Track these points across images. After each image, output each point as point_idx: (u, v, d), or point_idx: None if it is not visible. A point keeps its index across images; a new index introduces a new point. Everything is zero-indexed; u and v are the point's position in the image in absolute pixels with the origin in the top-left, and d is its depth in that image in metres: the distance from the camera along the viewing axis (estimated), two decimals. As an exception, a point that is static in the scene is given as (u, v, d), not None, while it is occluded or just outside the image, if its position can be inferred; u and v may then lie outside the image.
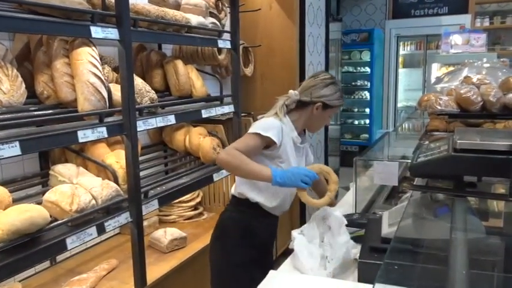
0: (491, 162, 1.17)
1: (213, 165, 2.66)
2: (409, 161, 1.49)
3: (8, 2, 1.61)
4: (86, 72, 1.82)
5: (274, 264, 2.15)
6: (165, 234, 2.51)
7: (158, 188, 2.28)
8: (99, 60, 1.91)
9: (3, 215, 1.51)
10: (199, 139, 2.70)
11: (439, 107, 1.98)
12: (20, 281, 2.06)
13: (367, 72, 7.56)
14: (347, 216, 1.87)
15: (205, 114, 2.58)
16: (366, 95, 7.64)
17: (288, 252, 1.79)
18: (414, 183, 1.51)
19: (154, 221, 2.76)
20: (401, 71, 7.90)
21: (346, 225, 1.73)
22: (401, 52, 7.80)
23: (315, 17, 4.35)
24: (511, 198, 1.14)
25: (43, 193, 1.84)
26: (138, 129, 2.01)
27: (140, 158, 2.13)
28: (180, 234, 2.55)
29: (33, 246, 1.57)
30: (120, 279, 2.17)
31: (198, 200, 3.05)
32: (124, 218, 1.95)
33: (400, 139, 3.26)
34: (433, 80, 3.97)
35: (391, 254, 1.11)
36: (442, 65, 4.70)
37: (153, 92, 2.26)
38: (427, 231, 1.30)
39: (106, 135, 1.87)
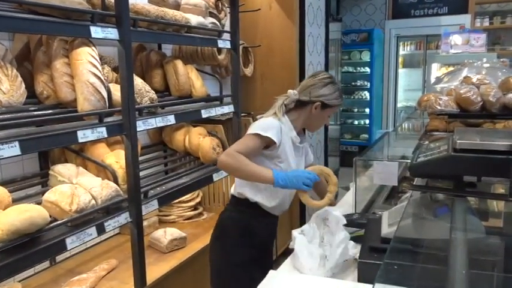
0: (491, 162, 1.17)
1: (213, 165, 2.66)
2: (409, 161, 1.49)
3: (8, 2, 1.61)
4: (86, 72, 1.82)
5: (274, 264, 2.16)
6: (165, 234, 2.51)
7: (158, 188, 2.28)
8: (98, 60, 1.91)
9: (3, 215, 1.51)
10: (199, 139, 2.70)
11: (438, 107, 1.99)
12: (19, 281, 2.06)
13: (367, 72, 7.56)
14: (347, 216, 1.87)
15: (205, 114, 2.58)
16: (366, 95, 7.65)
17: (288, 252, 1.79)
18: (414, 183, 1.51)
19: (154, 221, 2.76)
20: (401, 71, 7.90)
21: (346, 225, 1.74)
22: (401, 52, 7.81)
23: (314, 17, 4.35)
24: (511, 198, 1.14)
25: (43, 193, 1.84)
26: (138, 129, 2.01)
27: (140, 158, 2.13)
28: (179, 234, 2.55)
29: (33, 246, 1.57)
30: (119, 279, 2.17)
31: (198, 200, 3.05)
32: (124, 218, 1.95)
33: (400, 139, 3.26)
34: (432, 80, 3.97)
35: (391, 254, 1.11)
36: (442, 65, 4.70)
37: (153, 92, 2.26)
38: (427, 231, 1.30)
39: (106, 135, 1.87)
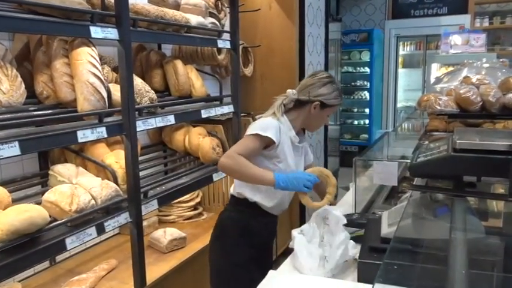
0: (490, 162, 1.17)
1: (213, 165, 2.66)
2: (409, 161, 1.49)
3: (7, 2, 1.61)
4: (86, 72, 1.82)
5: (274, 264, 2.16)
6: (165, 235, 2.51)
7: (158, 188, 2.28)
8: (98, 60, 1.91)
9: (2, 215, 1.51)
10: (198, 139, 2.70)
11: (438, 107, 1.99)
12: (19, 281, 2.06)
13: (367, 72, 7.56)
14: (347, 216, 1.87)
15: (204, 114, 2.58)
16: (366, 95, 7.65)
17: (287, 252, 1.79)
18: (414, 183, 1.51)
19: (153, 221, 2.76)
20: (400, 71, 7.90)
21: (346, 225, 1.74)
22: (401, 52, 7.81)
23: (314, 17, 4.35)
24: (511, 198, 1.14)
25: (42, 193, 1.84)
26: (138, 129, 2.01)
27: (140, 158, 2.13)
28: (179, 235, 2.55)
29: (33, 246, 1.57)
30: (119, 280, 2.17)
31: (198, 200, 3.05)
32: (123, 218, 1.95)
33: (400, 139, 3.26)
34: (432, 80, 3.97)
35: (391, 254, 1.11)
36: (442, 65, 4.70)
37: (153, 92, 2.26)
38: (427, 231, 1.30)
39: (105, 135, 1.87)
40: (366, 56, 7.51)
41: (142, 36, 2.19)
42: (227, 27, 2.92)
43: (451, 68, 3.81)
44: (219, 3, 2.97)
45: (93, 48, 1.91)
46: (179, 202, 2.93)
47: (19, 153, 1.52)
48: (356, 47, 7.51)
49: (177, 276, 2.32)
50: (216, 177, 2.65)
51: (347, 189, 2.85)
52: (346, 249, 1.64)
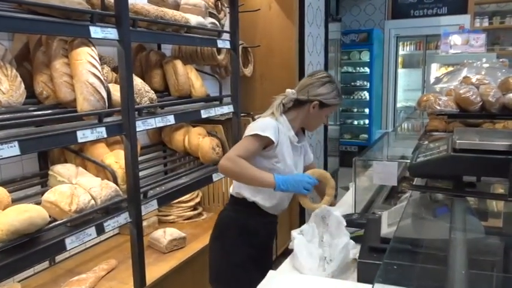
0: (490, 162, 1.17)
1: (213, 165, 2.66)
2: (409, 161, 1.49)
3: (7, 2, 1.61)
4: (85, 72, 1.82)
5: (274, 265, 2.16)
6: (165, 235, 2.51)
7: (157, 188, 2.28)
8: (98, 60, 1.91)
9: (2, 215, 1.50)
10: (198, 139, 2.70)
11: (438, 107, 1.98)
12: (19, 281, 2.06)
13: (367, 72, 7.56)
14: (346, 216, 1.88)
15: (204, 114, 2.58)
16: (365, 95, 7.65)
17: (287, 252, 1.80)
18: (413, 183, 1.51)
19: (153, 221, 2.76)
20: (400, 71, 7.90)
21: (346, 226, 1.74)
22: (400, 52, 7.81)
23: (314, 17, 4.35)
24: (510, 198, 1.14)
25: (42, 193, 1.84)
26: (138, 130, 2.01)
27: (139, 158, 2.13)
28: (179, 235, 2.55)
29: (32, 246, 1.56)
30: (119, 280, 2.17)
31: (198, 200, 3.05)
32: (123, 218, 1.95)
33: (400, 139, 3.26)
34: (432, 80, 3.97)
35: (391, 254, 1.11)
36: (442, 65, 4.70)
37: (153, 92, 2.26)
38: (427, 231, 1.30)
39: (105, 136, 1.87)
40: (365, 56, 7.51)
41: (142, 36, 2.20)
42: (227, 27, 2.92)
43: (450, 68, 3.81)
44: (219, 3, 2.97)
45: (93, 48, 1.91)
46: (179, 202, 2.93)
47: (19, 153, 1.52)
48: (356, 47, 7.51)
49: (176, 277, 2.32)
50: (215, 177, 2.65)
51: (347, 189, 2.85)
52: (348, 252, 1.65)
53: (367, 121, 7.70)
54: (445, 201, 1.32)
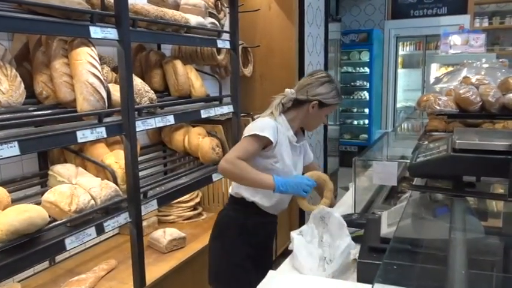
0: (490, 162, 1.17)
1: (212, 165, 2.66)
2: (408, 161, 1.49)
3: (7, 1, 1.61)
4: (85, 72, 1.82)
5: (274, 265, 2.16)
6: (164, 235, 2.51)
7: (157, 188, 2.28)
8: (98, 61, 1.91)
9: (2, 215, 1.50)
10: (198, 139, 2.70)
11: (438, 107, 1.98)
12: (19, 282, 2.06)
13: (366, 72, 7.56)
14: (346, 216, 1.88)
15: (204, 114, 2.58)
16: (365, 95, 7.65)
17: (287, 252, 1.80)
18: (413, 183, 1.51)
19: (153, 221, 2.76)
20: (400, 71, 7.90)
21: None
22: (400, 52, 7.81)
23: (314, 17, 4.35)
24: (510, 199, 1.14)
25: (42, 193, 1.84)
26: (137, 130, 2.01)
27: (139, 158, 2.13)
28: (179, 235, 2.55)
29: (32, 246, 1.56)
30: (119, 280, 2.17)
31: (197, 200, 3.05)
32: (123, 218, 1.95)
33: (399, 139, 3.26)
34: (432, 80, 3.97)
35: (390, 254, 1.11)
36: (441, 65, 4.70)
37: (152, 92, 2.26)
38: (426, 231, 1.30)
39: (105, 136, 1.87)
40: (365, 56, 7.51)
41: (141, 36, 2.19)
42: (227, 28, 2.92)
43: (450, 68, 3.81)
44: (219, 4, 2.97)
45: (93, 48, 1.91)
46: (179, 202, 2.93)
47: (18, 153, 1.52)
48: (355, 47, 7.51)
49: (176, 277, 2.32)
50: (215, 177, 2.65)
51: (346, 189, 2.85)
52: (349, 253, 1.65)
53: (367, 121, 7.70)
54: (444, 201, 1.32)
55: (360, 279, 1.52)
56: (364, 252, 1.56)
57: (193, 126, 2.80)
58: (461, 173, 1.22)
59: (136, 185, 2.01)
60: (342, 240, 1.66)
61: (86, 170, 2.06)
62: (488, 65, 2.68)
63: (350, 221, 1.86)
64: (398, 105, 7.92)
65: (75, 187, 1.79)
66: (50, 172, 2.01)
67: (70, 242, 1.69)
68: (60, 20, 1.68)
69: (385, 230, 1.60)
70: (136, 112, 2.03)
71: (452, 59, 4.36)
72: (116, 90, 1.98)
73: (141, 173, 2.12)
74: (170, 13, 2.31)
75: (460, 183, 1.24)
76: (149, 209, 2.14)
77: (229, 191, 2.03)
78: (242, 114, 3.16)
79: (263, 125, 1.83)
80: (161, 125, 2.24)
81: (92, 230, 1.78)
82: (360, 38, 7.44)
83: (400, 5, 7.45)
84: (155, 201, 2.18)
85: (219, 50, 3.11)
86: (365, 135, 7.66)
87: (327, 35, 4.74)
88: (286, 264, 1.75)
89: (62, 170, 1.98)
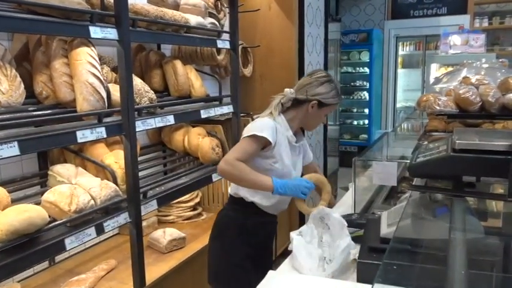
0: (490, 162, 1.17)
1: (212, 165, 2.66)
2: (408, 161, 1.49)
3: (7, 1, 1.61)
4: (85, 73, 1.82)
5: (274, 265, 2.15)
6: (164, 235, 2.51)
7: (157, 189, 2.28)
8: (98, 61, 1.90)
9: (1, 215, 1.50)
10: (198, 139, 2.70)
11: (438, 107, 1.98)
12: (18, 282, 2.06)
13: (366, 72, 7.56)
14: (346, 216, 1.88)
15: (204, 114, 2.58)
16: (365, 95, 7.65)
17: (287, 253, 1.80)
18: (413, 183, 1.51)
19: (153, 221, 2.76)
20: (400, 71, 7.90)
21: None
22: (400, 52, 7.81)
23: (314, 17, 4.35)
24: (510, 199, 1.14)
25: (42, 193, 1.84)
26: (137, 130, 2.01)
27: (139, 158, 2.13)
28: (179, 235, 2.55)
29: (32, 246, 1.56)
30: (119, 280, 2.16)
31: (197, 200, 3.05)
32: (123, 218, 1.95)
33: (399, 139, 3.26)
34: (432, 80, 3.97)
35: (390, 254, 1.11)
36: (441, 65, 4.70)
37: (152, 92, 2.26)
38: (426, 231, 1.30)
39: (105, 136, 1.87)
40: (365, 56, 7.51)
41: (141, 36, 2.19)
42: (226, 28, 2.92)
43: (450, 68, 3.81)
44: (219, 4, 2.97)
45: (93, 48, 1.91)
46: (178, 202, 2.93)
47: (18, 153, 1.52)
48: (355, 47, 7.51)
49: (176, 277, 2.32)
50: (215, 177, 2.65)
51: (346, 189, 2.85)
52: (349, 253, 1.65)
53: (366, 121, 7.70)
54: (444, 201, 1.32)
55: (360, 279, 1.52)
56: (364, 252, 1.56)
57: (193, 126, 2.80)
58: (461, 173, 1.22)
59: (136, 185, 2.01)
60: (342, 240, 1.66)
61: (85, 170, 2.06)
62: (488, 65, 2.68)
63: (350, 221, 1.86)
64: (398, 105, 7.92)
65: (74, 187, 1.79)
66: (49, 172, 2.01)
67: (70, 242, 1.69)
68: (60, 20, 1.68)
69: (385, 230, 1.60)
70: (136, 112, 2.03)
71: (452, 59, 4.36)
72: (115, 90, 1.98)
73: (140, 173, 2.12)
74: (170, 13, 2.31)
75: (459, 183, 1.24)
76: (149, 209, 2.14)
77: (229, 191, 2.03)
78: (242, 114, 3.16)
79: (262, 125, 1.83)
80: (161, 125, 2.24)
81: (91, 230, 1.78)
82: (359, 38, 7.45)
83: (400, 5, 7.45)
84: (155, 201, 2.18)
85: (218, 50, 3.11)
86: (365, 136, 7.66)
87: (327, 35, 4.74)
88: (285, 264, 1.75)
89: (62, 170, 1.98)
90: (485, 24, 7.01)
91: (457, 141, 1.23)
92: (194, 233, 2.74)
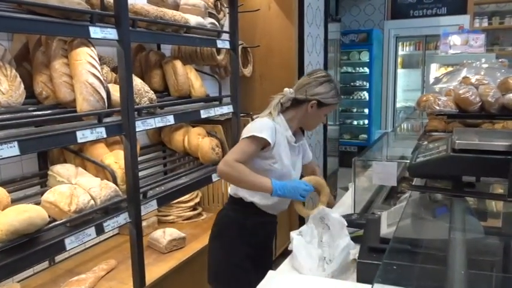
0: (489, 162, 1.18)
1: (212, 165, 2.66)
2: (408, 161, 1.49)
3: (6, 2, 1.61)
4: (85, 73, 1.82)
5: (273, 265, 2.16)
6: (164, 235, 2.51)
7: (157, 189, 2.28)
8: (98, 61, 1.91)
9: (1, 215, 1.50)
10: (198, 139, 2.70)
11: (437, 107, 1.98)
12: (18, 282, 2.06)
13: (366, 72, 7.56)
14: (346, 216, 1.88)
15: (204, 114, 2.58)
16: (365, 95, 7.65)
17: (287, 253, 1.80)
18: (413, 183, 1.51)
19: (153, 222, 2.76)
20: (400, 71, 7.90)
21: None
22: (400, 52, 7.81)
23: (313, 17, 4.35)
24: (510, 199, 1.14)
25: (42, 193, 1.84)
26: (137, 130, 2.01)
27: (139, 159, 2.13)
28: (179, 235, 2.55)
29: (32, 246, 1.56)
30: (119, 280, 2.16)
31: (197, 200, 3.04)
32: (123, 218, 1.95)
33: (399, 139, 3.26)
34: (431, 80, 3.97)
35: (390, 254, 1.11)
36: (441, 65, 4.71)
37: (152, 92, 2.26)
38: (426, 231, 1.30)
39: (105, 136, 1.87)
40: (365, 56, 7.51)
41: (141, 37, 2.19)
42: (226, 28, 2.92)
43: (450, 68, 3.81)
44: (218, 4, 2.97)
45: (93, 48, 1.91)
46: (178, 202, 2.93)
47: (18, 153, 1.52)
48: (355, 47, 7.51)
49: (176, 277, 2.32)
50: (215, 177, 2.65)
51: (346, 189, 2.85)
52: (348, 253, 1.65)
53: (366, 121, 7.70)
54: (444, 201, 1.32)
55: (360, 280, 1.52)
56: (364, 252, 1.56)
57: (193, 127, 2.80)
58: (461, 173, 1.22)
59: (136, 185, 2.01)
60: (342, 239, 1.67)
61: (85, 170, 2.06)
62: (487, 65, 2.68)
63: (350, 221, 1.87)
64: (398, 105, 7.92)
65: (74, 187, 1.79)
66: (49, 172, 2.01)
67: (70, 242, 1.69)
68: (59, 20, 1.68)
69: (385, 230, 1.60)
70: (136, 112, 2.03)
71: (452, 59, 4.37)
72: (115, 91, 1.98)
73: (140, 173, 2.12)
74: (170, 13, 2.31)
75: (459, 183, 1.24)
76: (149, 209, 2.14)
77: (229, 191, 2.03)
78: (242, 115, 3.16)
79: (261, 126, 1.83)
80: (161, 125, 2.24)
81: (91, 230, 1.79)
82: (359, 38, 7.45)
83: (399, 5, 7.45)
84: (155, 201, 2.18)
85: (218, 50, 3.11)
86: (365, 136, 7.66)
87: (327, 35, 4.74)
88: (285, 264, 1.75)
89: (62, 170, 1.98)
90: (485, 24, 7.01)
91: (457, 141, 1.23)
92: (194, 233, 2.74)
